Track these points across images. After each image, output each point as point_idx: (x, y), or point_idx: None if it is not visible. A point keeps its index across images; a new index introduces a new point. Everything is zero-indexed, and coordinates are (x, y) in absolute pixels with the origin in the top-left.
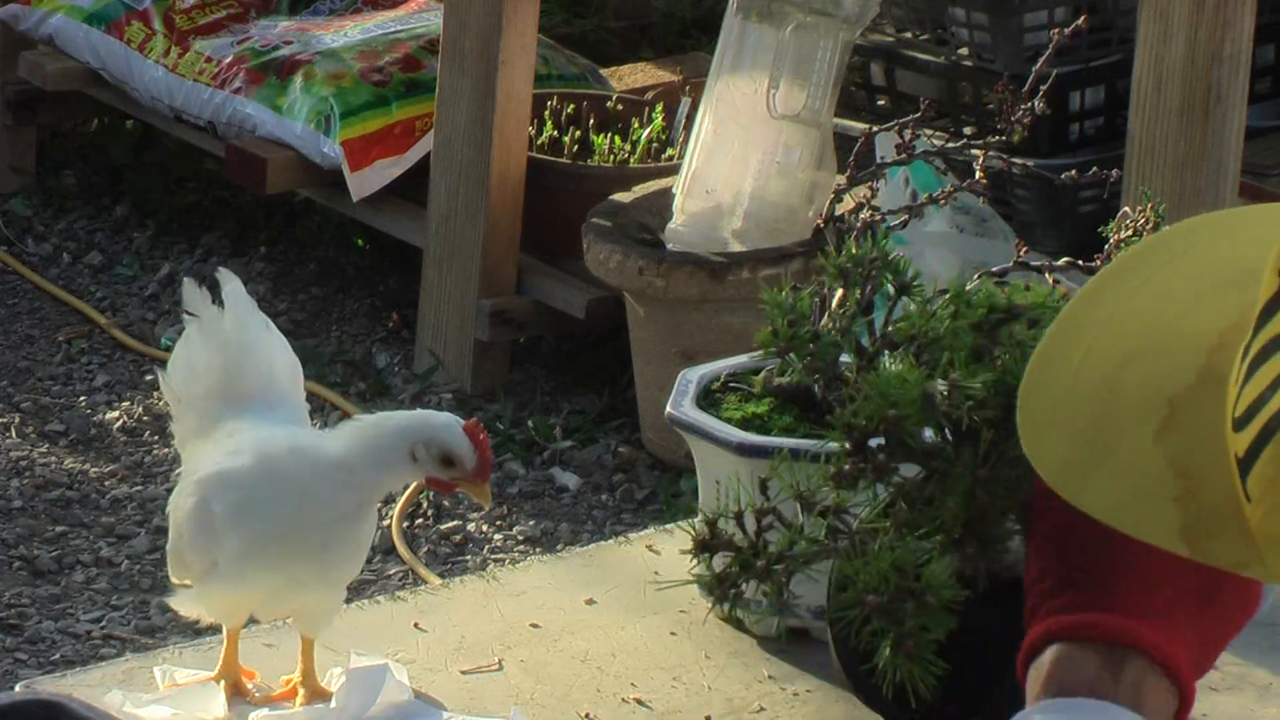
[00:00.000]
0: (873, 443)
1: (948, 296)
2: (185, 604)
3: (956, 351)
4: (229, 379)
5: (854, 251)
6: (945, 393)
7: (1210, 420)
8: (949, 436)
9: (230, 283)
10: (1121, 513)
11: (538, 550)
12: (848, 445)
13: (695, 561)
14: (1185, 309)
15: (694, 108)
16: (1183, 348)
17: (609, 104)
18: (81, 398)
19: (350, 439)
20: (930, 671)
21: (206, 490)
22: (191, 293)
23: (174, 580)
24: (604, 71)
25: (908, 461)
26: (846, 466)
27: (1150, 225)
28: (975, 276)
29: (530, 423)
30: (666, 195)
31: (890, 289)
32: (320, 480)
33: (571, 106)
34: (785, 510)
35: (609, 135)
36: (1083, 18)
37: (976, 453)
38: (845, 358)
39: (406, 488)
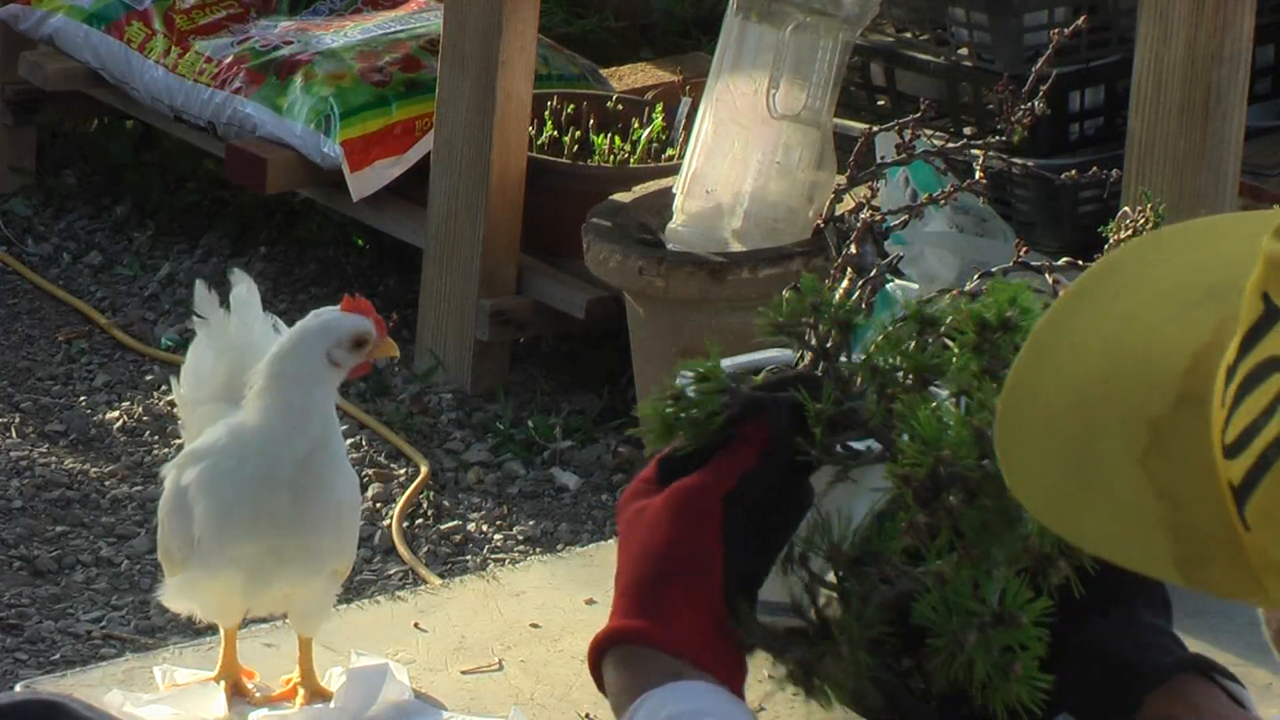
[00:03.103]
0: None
1: (904, 319)
2: (172, 596)
3: (967, 377)
4: (233, 381)
5: (794, 302)
6: (990, 421)
7: (1195, 445)
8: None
9: (239, 284)
10: (1114, 545)
11: (538, 550)
12: (911, 498)
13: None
14: (1153, 330)
15: (694, 108)
16: (1156, 372)
17: (609, 104)
18: (81, 398)
19: (265, 384)
20: (1039, 689)
21: (177, 471)
22: (201, 296)
23: (167, 577)
24: (604, 71)
25: (969, 498)
26: (921, 517)
27: (1150, 225)
28: (975, 276)
29: (530, 423)
30: (666, 195)
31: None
32: (267, 434)
33: (571, 106)
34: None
35: (609, 135)
36: (1083, 18)
37: None
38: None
39: (404, 490)
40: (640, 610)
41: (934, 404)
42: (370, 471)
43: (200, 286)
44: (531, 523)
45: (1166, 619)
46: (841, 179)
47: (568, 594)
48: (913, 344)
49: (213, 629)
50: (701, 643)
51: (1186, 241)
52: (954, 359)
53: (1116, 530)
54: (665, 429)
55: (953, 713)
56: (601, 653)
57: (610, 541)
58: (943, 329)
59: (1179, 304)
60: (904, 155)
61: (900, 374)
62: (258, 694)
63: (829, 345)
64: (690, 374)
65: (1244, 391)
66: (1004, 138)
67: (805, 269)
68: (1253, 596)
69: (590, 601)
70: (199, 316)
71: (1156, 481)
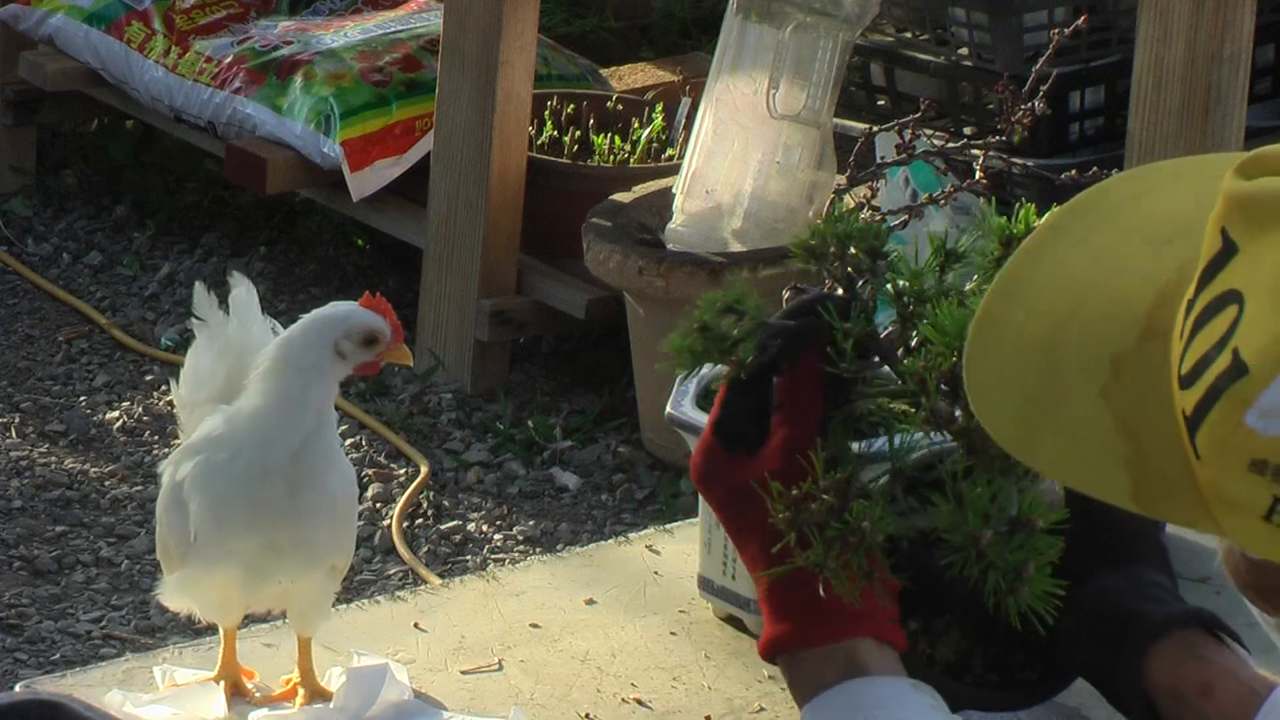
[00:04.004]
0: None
1: (930, 253)
2: (171, 593)
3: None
4: (232, 383)
5: (823, 229)
6: None
7: (1155, 379)
8: None
9: (238, 286)
10: (1073, 473)
11: (538, 550)
12: (933, 388)
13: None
14: (1122, 267)
15: (694, 108)
16: (1122, 307)
17: (609, 104)
18: (81, 398)
19: (269, 367)
20: (1052, 595)
21: (173, 467)
22: (200, 298)
23: (165, 574)
24: (604, 71)
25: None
26: (942, 404)
27: None
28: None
29: (530, 423)
30: (666, 195)
31: (890, 288)
32: (261, 423)
33: (571, 106)
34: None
35: (609, 135)
36: (1083, 18)
37: None
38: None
39: (404, 490)
40: (784, 611)
41: (956, 301)
42: (370, 471)
43: (199, 288)
44: (531, 523)
45: (1173, 584)
46: (841, 179)
47: (568, 594)
48: (937, 273)
49: (212, 629)
50: (850, 618)
51: (1161, 180)
52: (978, 275)
53: (1075, 458)
54: (694, 360)
55: (956, 678)
56: (771, 661)
57: (610, 542)
58: (964, 258)
59: (1149, 242)
60: (904, 155)
61: (925, 300)
62: (258, 694)
63: (857, 271)
64: (716, 305)
65: (1200, 324)
66: (1004, 138)
67: (805, 269)
68: (1203, 526)
69: (590, 601)
70: (198, 318)
71: (1116, 414)
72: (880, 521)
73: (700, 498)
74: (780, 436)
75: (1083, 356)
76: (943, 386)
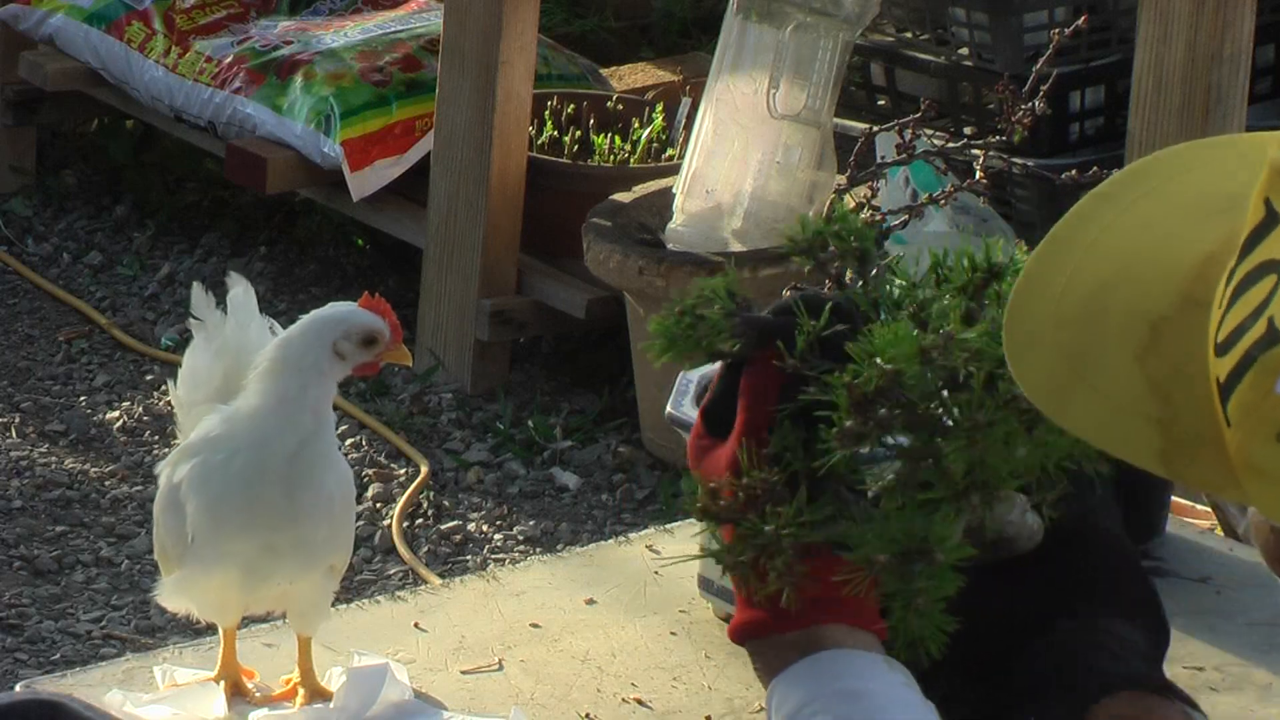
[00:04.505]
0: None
1: (928, 267)
2: (169, 594)
3: (947, 313)
4: (230, 383)
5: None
6: (941, 344)
7: (1192, 345)
8: (944, 392)
9: (236, 286)
10: (1102, 432)
11: (538, 550)
12: (843, 406)
13: (701, 530)
14: (1169, 235)
15: (694, 108)
16: (1166, 274)
17: (609, 104)
18: (81, 398)
19: (268, 367)
20: (941, 630)
21: (170, 468)
22: (198, 298)
23: (163, 575)
24: (604, 71)
25: (909, 416)
26: (849, 424)
27: None
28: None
29: (530, 423)
30: (666, 195)
31: (894, 289)
32: (259, 424)
33: (571, 106)
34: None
35: (609, 135)
36: (1083, 18)
37: (972, 402)
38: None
39: (404, 490)
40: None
41: (898, 324)
42: (370, 471)
43: (197, 288)
44: (531, 523)
45: (1157, 620)
46: (841, 179)
47: (568, 594)
48: (909, 284)
49: (213, 629)
50: (821, 608)
51: (1212, 155)
52: (944, 298)
53: (1106, 417)
54: (669, 343)
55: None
56: (739, 644)
57: (610, 541)
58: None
59: (1197, 212)
60: (904, 155)
61: (897, 308)
62: (258, 694)
63: (843, 271)
64: (700, 293)
65: (1239, 292)
66: (1004, 138)
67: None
68: (1230, 493)
69: (590, 601)
70: (195, 318)
71: (1151, 377)
72: (791, 526)
73: None
74: (736, 424)
75: (1122, 319)
76: (863, 402)
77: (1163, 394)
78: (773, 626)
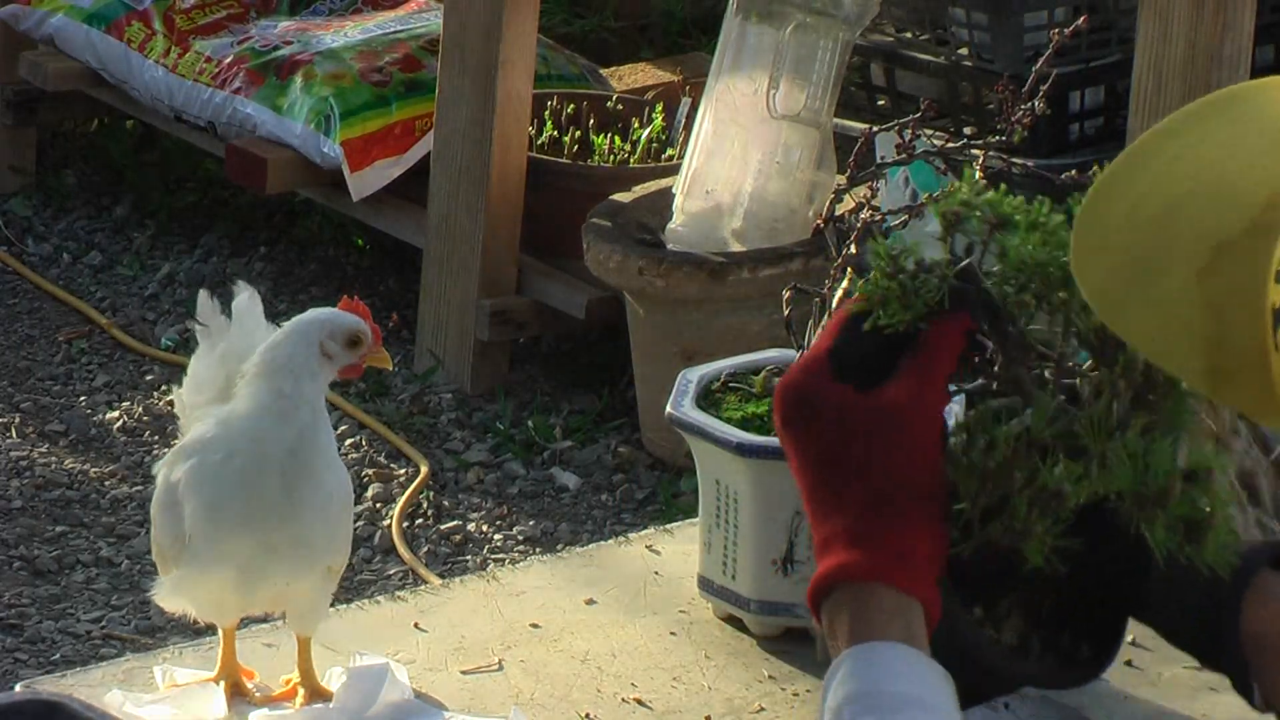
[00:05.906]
0: None
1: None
2: (167, 594)
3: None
4: (230, 388)
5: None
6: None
7: (1253, 270)
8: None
9: (241, 293)
10: (1153, 342)
11: (538, 550)
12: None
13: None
14: (1246, 163)
15: (694, 108)
16: (1237, 199)
17: (609, 104)
18: (81, 398)
19: (257, 371)
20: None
21: (167, 468)
22: (203, 304)
23: (160, 575)
24: (604, 71)
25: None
26: (1099, 373)
27: None
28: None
29: (530, 423)
30: (666, 195)
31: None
32: (255, 423)
33: (571, 106)
34: None
35: (609, 135)
36: (1083, 18)
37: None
38: None
39: (404, 490)
40: (866, 541)
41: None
42: (370, 471)
43: (203, 295)
44: (531, 523)
45: None
46: (841, 179)
47: (568, 594)
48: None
49: (213, 629)
50: (931, 577)
51: None
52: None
53: (1158, 329)
54: (883, 303)
55: (1021, 660)
56: (824, 593)
57: (610, 542)
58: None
59: (1275, 143)
60: (904, 155)
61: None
62: (257, 694)
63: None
64: (884, 258)
65: None
66: (1004, 138)
67: (805, 269)
68: (1270, 418)
69: (590, 601)
70: (200, 324)
71: (1208, 296)
72: (1079, 483)
73: (701, 494)
74: (908, 383)
75: (1189, 237)
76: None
77: (1217, 313)
78: (879, 574)
